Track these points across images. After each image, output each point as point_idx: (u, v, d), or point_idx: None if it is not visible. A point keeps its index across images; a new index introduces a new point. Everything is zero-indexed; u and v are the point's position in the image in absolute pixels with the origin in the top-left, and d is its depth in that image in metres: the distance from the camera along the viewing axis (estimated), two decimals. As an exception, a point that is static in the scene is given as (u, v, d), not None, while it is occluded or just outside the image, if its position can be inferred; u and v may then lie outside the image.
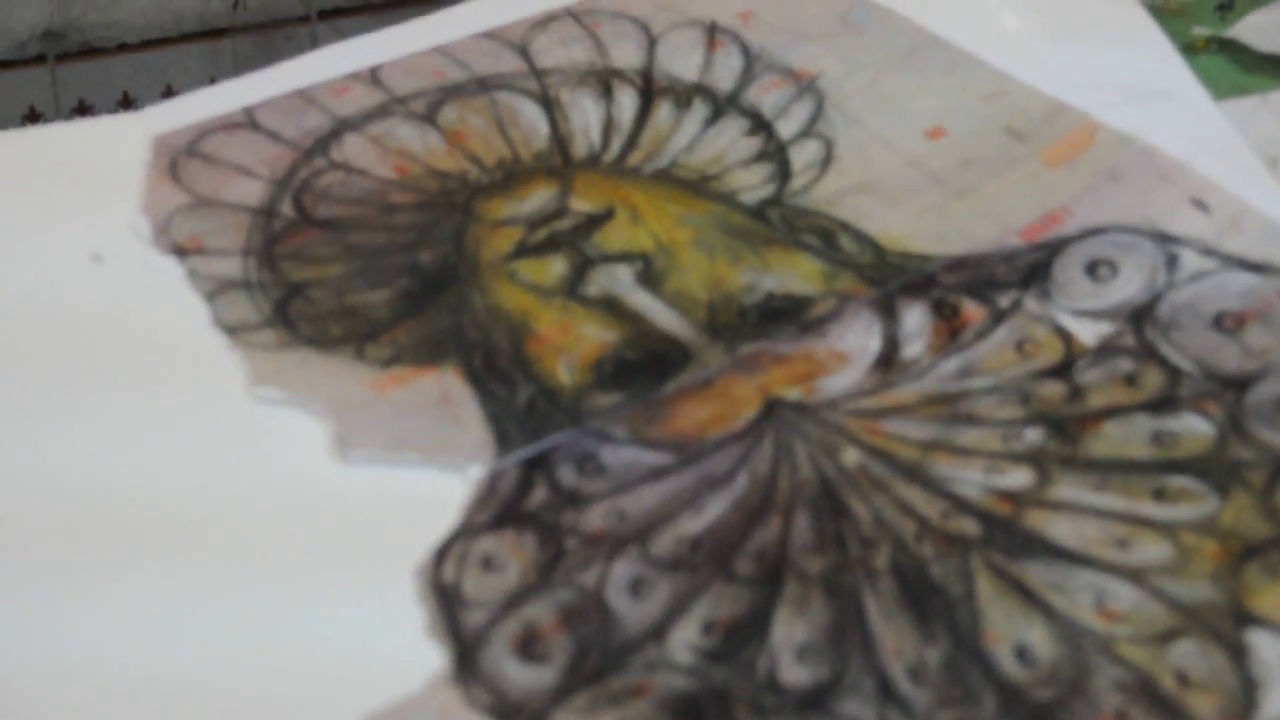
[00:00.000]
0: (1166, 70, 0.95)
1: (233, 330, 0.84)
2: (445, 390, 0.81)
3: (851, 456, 0.78)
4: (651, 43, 0.99)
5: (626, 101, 0.97)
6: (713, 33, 0.99)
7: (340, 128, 0.94)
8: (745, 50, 0.98)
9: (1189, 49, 0.99)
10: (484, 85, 0.96)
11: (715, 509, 0.76)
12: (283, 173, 0.91)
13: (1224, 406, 0.78)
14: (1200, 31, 1.05)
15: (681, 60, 0.98)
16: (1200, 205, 0.86)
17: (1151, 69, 0.95)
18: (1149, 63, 0.96)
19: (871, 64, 0.96)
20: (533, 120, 0.95)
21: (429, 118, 0.94)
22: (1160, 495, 0.75)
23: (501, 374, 0.81)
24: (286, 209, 0.90)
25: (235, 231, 0.88)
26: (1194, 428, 0.78)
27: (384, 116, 0.94)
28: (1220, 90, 0.95)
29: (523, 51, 0.98)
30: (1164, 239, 0.85)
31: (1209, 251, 0.85)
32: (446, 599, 0.73)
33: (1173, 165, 0.88)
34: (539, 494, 0.77)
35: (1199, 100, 0.93)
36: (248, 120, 0.93)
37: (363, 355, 0.83)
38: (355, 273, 0.87)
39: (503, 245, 0.88)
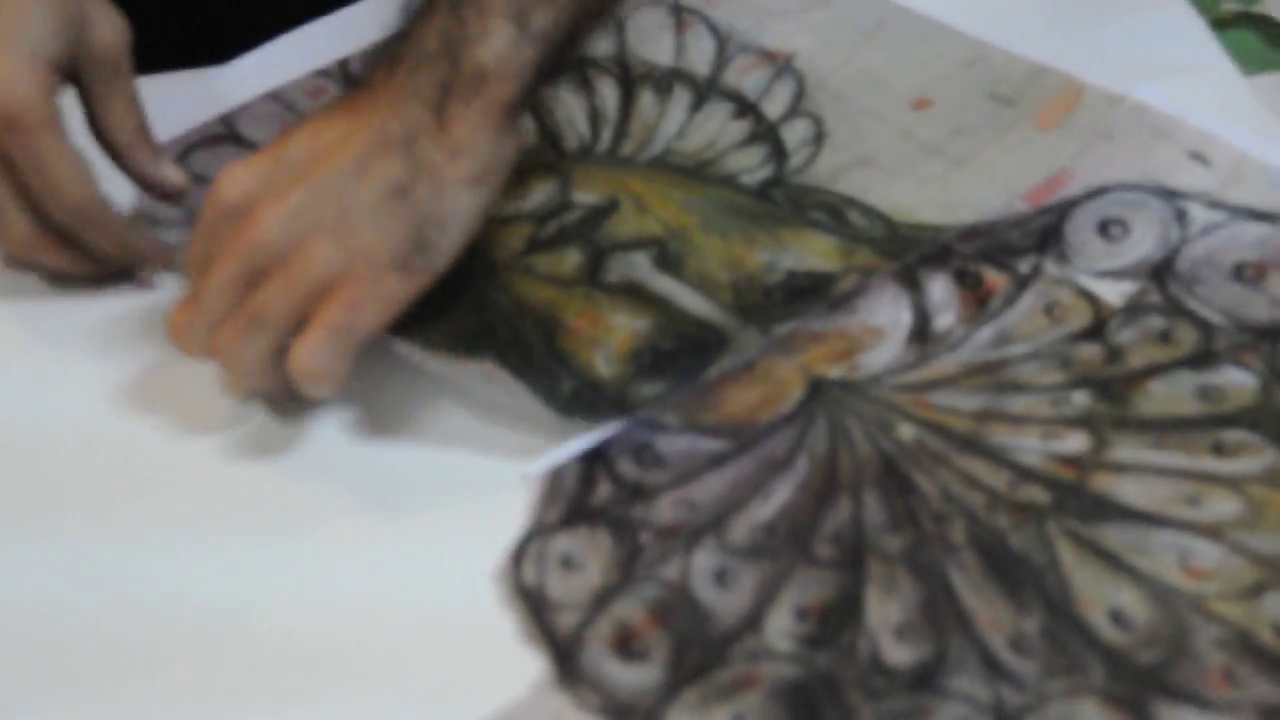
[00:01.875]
0: (1195, 44, 0.96)
1: None
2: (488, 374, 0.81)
3: (907, 432, 0.78)
4: (619, 26, 0.98)
5: (607, 92, 0.96)
6: (679, 13, 0.98)
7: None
8: (715, 30, 0.97)
9: (1218, 23, 1.00)
10: None
11: (782, 493, 0.75)
12: None
13: (1261, 357, 0.79)
14: (1230, 6, 1.05)
15: (653, 44, 0.97)
16: (1200, 158, 0.87)
17: (1180, 43, 0.96)
18: (1178, 37, 0.97)
19: (843, 40, 0.96)
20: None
21: None
22: (1219, 450, 0.76)
23: (541, 368, 0.80)
24: None
25: None
26: (1236, 380, 0.79)
27: None
28: (1249, 65, 0.96)
29: None
30: (1169, 194, 0.87)
31: (1215, 204, 0.86)
32: (534, 602, 0.72)
33: (1166, 121, 0.89)
34: (603, 489, 0.76)
35: (1228, 74, 0.94)
36: (228, 131, 0.91)
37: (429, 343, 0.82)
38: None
39: (513, 242, 0.87)
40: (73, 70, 0.81)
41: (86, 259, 0.83)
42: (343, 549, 0.76)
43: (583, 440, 0.77)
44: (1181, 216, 0.86)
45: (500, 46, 0.77)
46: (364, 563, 0.75)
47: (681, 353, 0.81)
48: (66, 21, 0.79)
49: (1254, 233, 0.84)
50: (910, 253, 0.85)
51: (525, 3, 0.77)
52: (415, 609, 0.73)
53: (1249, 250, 0.84)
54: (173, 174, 0.85)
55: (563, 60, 0.81)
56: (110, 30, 0.81)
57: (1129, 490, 0.75)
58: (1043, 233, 0.86)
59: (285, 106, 0.92)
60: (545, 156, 0.91)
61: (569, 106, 0.94)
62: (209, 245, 0.76)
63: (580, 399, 0.79)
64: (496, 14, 0.77)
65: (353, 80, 0.93)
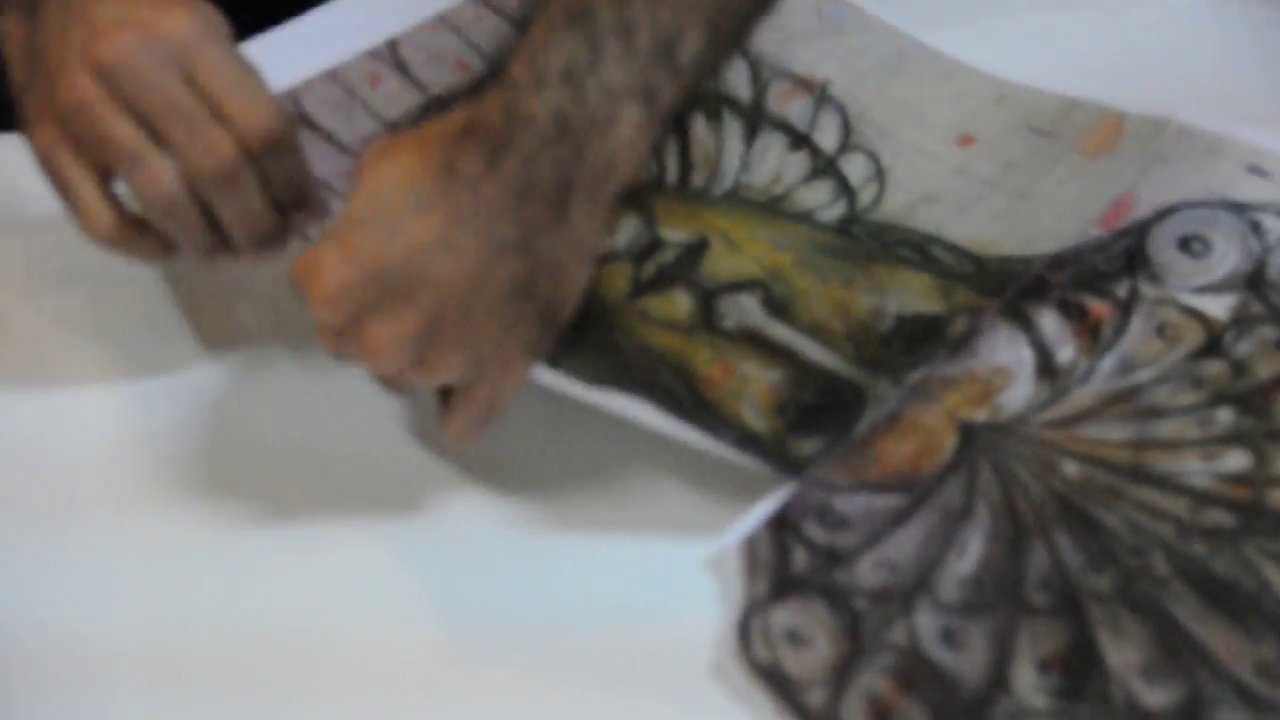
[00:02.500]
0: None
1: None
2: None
3: (1071, 469, 0.77)
4: None
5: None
6: None
7: (390, 129, 0.89)
8: (745, 54, 0.96)
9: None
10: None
11: (975, 545, 0.75)
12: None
13: (1381, 359, 0.81)
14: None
15: None
16: (1258, 171, 0.89)
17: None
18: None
19: (870, 70, 0.96)
20: None
21: None
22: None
23: (695, 418, 0.79)
24: None
25: None
26: (1364, 378, 0.80)
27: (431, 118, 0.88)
28: None
29: (515, 23, 0.95)
30: (1238, 207, 0.88)
31: None
32: (778, 681, 0.70)
33: (1216, 139, 0.91)
34: (800, 555, 0.75)
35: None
36: (299, 114, 0.88)
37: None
38: None
39: (618, 282, 0.85)
40: None
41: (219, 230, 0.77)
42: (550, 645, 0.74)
43: (765, 506, 0.76)
44: (1256, 228, 0.87)
45: (629, 133, 0.72)
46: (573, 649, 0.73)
47: (824, 407, 0.80)
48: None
49: (1331, 237, 0.86)
50: (1008, 288, 0.84)
51: (653, 77, 0.72)
52: (639, 693, 0.71)
53: (1331, 254, 0.85)
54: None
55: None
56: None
57: (1308, 503, 0.75)
58: (1127, 255, 0.86)
59: (346, 91, 0.89)
60: None
61: None
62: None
63: (748, 452, 0.78)
64: (623, 93, 0.71)
65: (402, 64, 0.89)
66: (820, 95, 0.95)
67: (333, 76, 0.89)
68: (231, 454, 0.80)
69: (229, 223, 0.76)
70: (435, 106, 0.89)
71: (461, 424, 0.76)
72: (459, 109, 0.73)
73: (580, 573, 0.76)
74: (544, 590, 0.75)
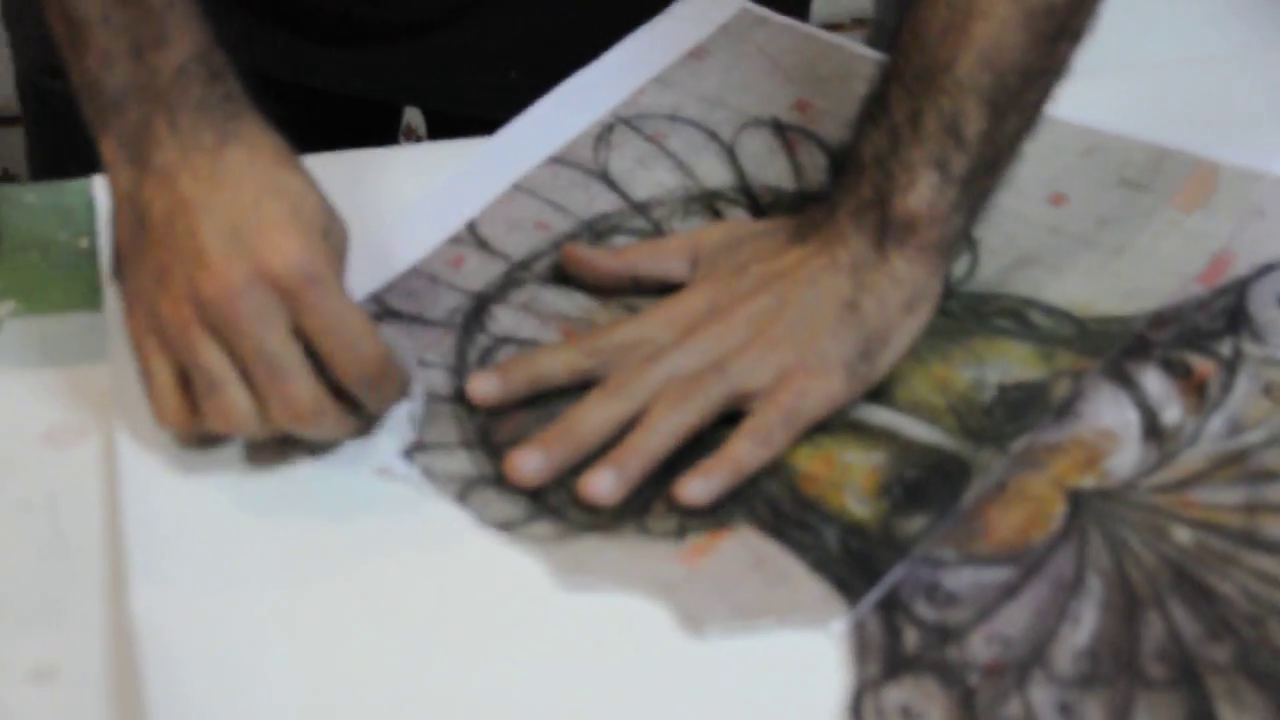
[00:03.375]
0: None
1: (506, 527, 0.78)
2: (753, 551, 0.78)
3: (1183, 535, 0.77)
4: (729, 153, 0.95)
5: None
6: (783, 133, 0.97)
7: (482, 302, 0.89)
8: (825, 147, 0.96)
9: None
10: (596, 233, 0.92)
11: (1089, 616, 0.74)
12: (452, 356, 0.86)
13: None
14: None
15: (771, 169, 0.95)
16: None
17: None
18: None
19: None
20: None
21: (563, 276, 0.90)
22: None
23: (795, 521, 0.77)
24: None
25: (443, 424, 0.83)
26: None
27: (518, 285, 0.90)
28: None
29: (605, 179, 0.94)
30: None
31: None
32: (896, 764, 0.69)
33: None
34: (911, 635, 0.74)
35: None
36: (383, 310, 0.87)
37: (649, 531, 0.79)
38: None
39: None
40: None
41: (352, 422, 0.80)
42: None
43: (878, 590, 0.75)
44: None
45: (927, 194, 0.83)
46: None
47: (929, 481, 0.79)
48: (325, 217, 0.78)
49: None
50: (1110, 349, 0.83)
51: (945, 151, 0.83)
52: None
53: None
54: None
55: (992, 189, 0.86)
56: (343, 231, 0.79)
57: None
58: (1229, 313, 0.86)
59: (430, 279, 0.88)
60: None
61: None
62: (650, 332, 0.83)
63: (851, 551, 0.76)
64: (920, 164, 0.83)
65: (482, 241, 0.90)
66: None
67: (416, 272, 0.89)
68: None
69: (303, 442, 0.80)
70: (518, 271, 0.90)
71: (765, 415, 0.81)
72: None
73: (690, 662, 0.74)
74: (658, 688, 0.74)
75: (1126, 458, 0.81)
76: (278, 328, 0.75)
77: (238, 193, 0.76)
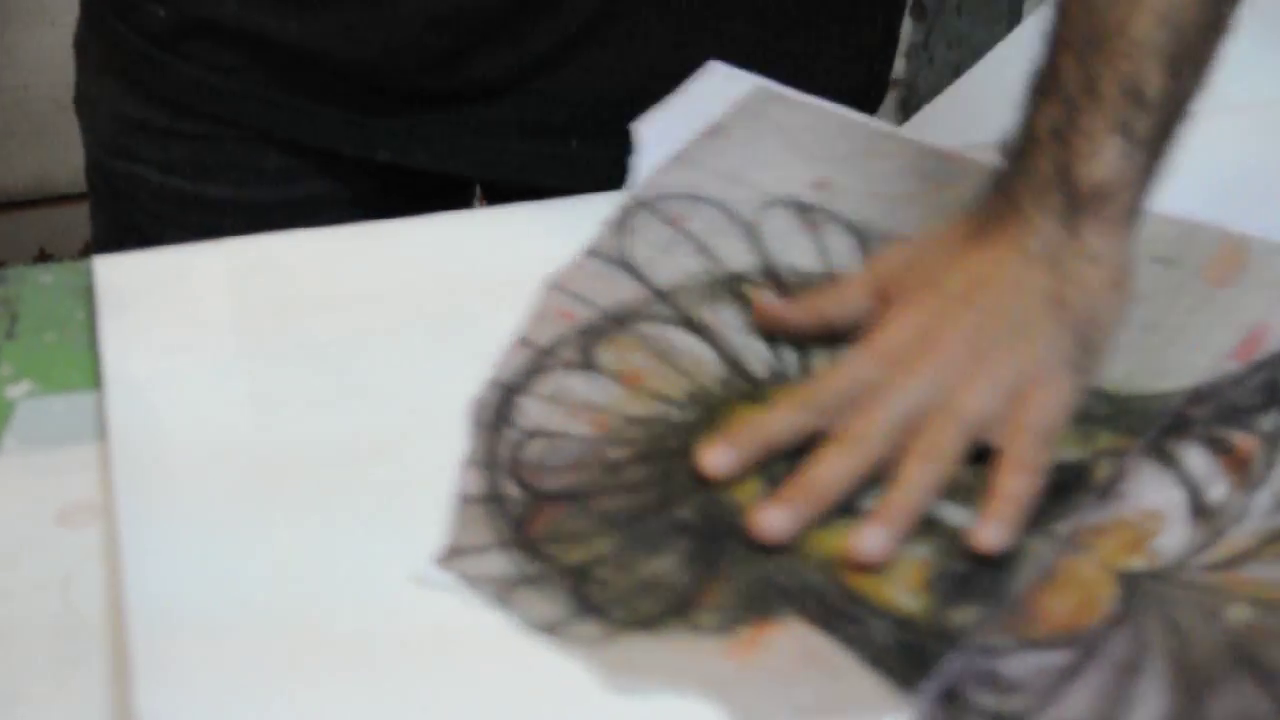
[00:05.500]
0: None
1: (550, 629, 0.77)
2: (802, 645, 0.77)
3: (1240, 613, 0.75)
4: (752, 234, 0.95)
5: (770, 307, 0.93)
6: (806, 213, 0.96)
7: (509, 393, 0.87)
8: (849, 227, 0.95)
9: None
10: (621, 322, 0.91)
11: (1154, 699, 0.73)
12: (483, 452, 0.83)
13: None
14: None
15: (795, 249, 0.95)
16: None
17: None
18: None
19: None
20: (692, 348, 0.90)
21: (589, 365, 0.88)
22: None
23: (843, 615, 0.76)
24: (511, 490, 0.83)
25: (476, 525, 0.81)
26: None
27: (544, 373, 0.88)
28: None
29: (629, 268, 0.93)
30: None
31: None
32: None
33: None
34: None
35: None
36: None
37: (696, 626, 0.77)
38: (625, 544, 0.81)
39: (752, 485, 0.83)
40: None
41: None
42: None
43: (936, 683, 0.74)
44: None
45: (1113, 160, 0.82)
46: None
47: (977, 572, 0.78)
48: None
49: None
50: (1148, 427, 0.83)
51: (1126, 114, 0.82)
52: None
53: None
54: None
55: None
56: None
57: None
58: (1267, 388, 0.85)
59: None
60: (739, 385, 0.87)
61: (738, 329, 0.91)
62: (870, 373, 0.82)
63: (902, 641, 0.75)
64: (1102, 131, 0.82)
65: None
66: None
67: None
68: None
69: None
70: (543, 358, 0.89)
71: (1025, 440, 0.81)
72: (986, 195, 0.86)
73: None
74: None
75: (1174, 538, 0.80)
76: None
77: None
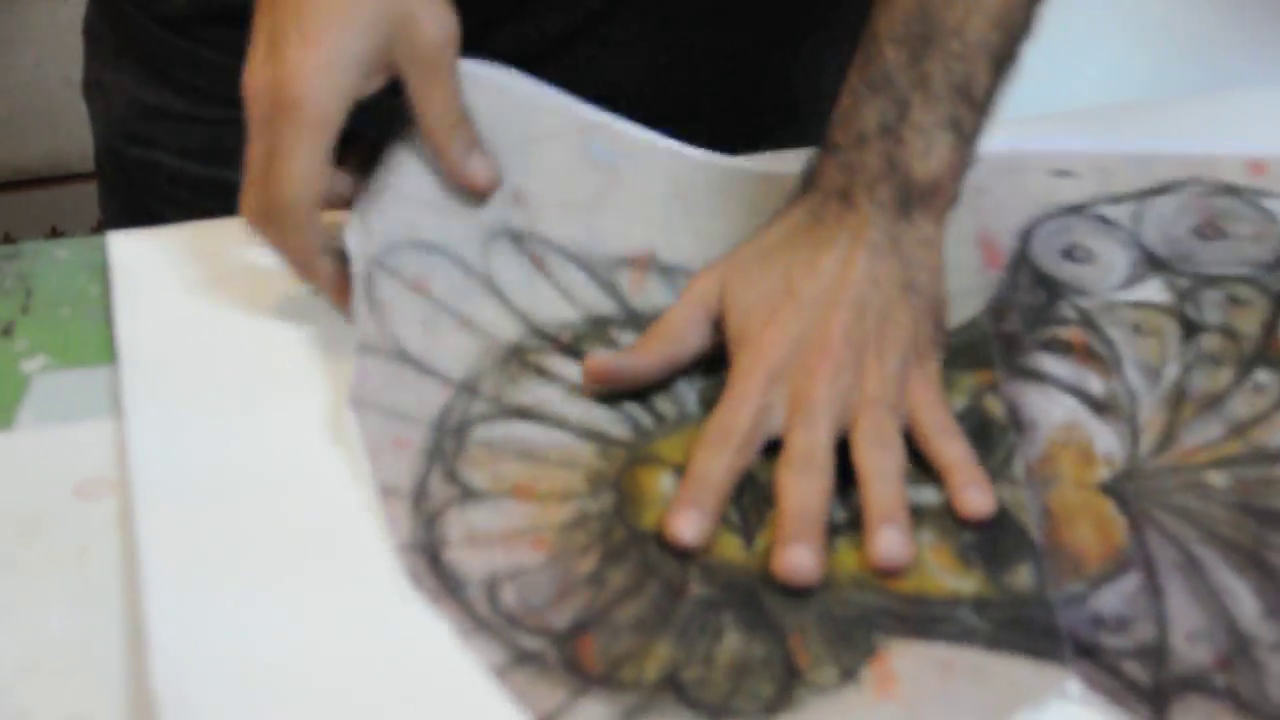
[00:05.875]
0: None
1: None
2: (925, 659, 0.75)
3: (1216, 479, 0.82)
4: (495, 289, 0.92)
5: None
6: (521, 243, 0.92)
7: (431, 557, 0.78)
8: (569, 255, 0.93)
9: None
10: (459, 434, 0.83)
11: (1236, 584, 0.78)
12: (468, 620, 0.76)
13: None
14: None
15: (541, 300, 0.91)
16: (1065, 173, 0.98)
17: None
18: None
19: None
20: (539, 437, 0.84)
21: (471, 494, 0.81)
22: None
23: (925, 619, 0.77)
24: (532, 643, 0.75)
25: (537, 690, 0.73)
26: None
27: (438, 519, 0.80)
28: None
29: (410, 361, 0.86)
30: (1075, 208, 0.97)
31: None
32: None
33: (1012, 158, 0.98)
34: (1131, 668, 0.75)
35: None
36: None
37: (824, 686, 0.74)
38: (682, 639, 0.75)
39: (727, 540, 0.80)
40: (394, 65, 0.83)
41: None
42: None
43: (1064, 643, 0.75)
44: (1104, 220, 0.95)
45: (945, 154, 0.84)
46: None
47: (989, 538, 0.79)
48: (386, 19, 0.82)
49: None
50: (986, 355, 0.87)
51: (958, 111, 0.84)
52: None
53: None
54: (480, 167, 0.88)
55: None
56: (434, 28, 0.83)
57: None
58: (1041, 282, 0.91)
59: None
60: (617, 455, 0.83)
61: (562, 401, 0.86)
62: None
63: (997, 619, 0.76)
64: (934, 127, 0.83)
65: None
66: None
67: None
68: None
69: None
70: (422, 505, 0.80)
71: (932, 412, 0.82)
72: (797, 191, 0.86)
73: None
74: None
75: (1105, 439, 0.83)
76: (259, 140, 0.81)
77: None
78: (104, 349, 0.87)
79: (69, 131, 1.88)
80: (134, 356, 0.85)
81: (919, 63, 0.84)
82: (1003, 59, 0.85)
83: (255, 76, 0.81)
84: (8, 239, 2.01)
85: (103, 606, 0.75)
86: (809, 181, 0.86)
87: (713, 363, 0.85)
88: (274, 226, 0.82)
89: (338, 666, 0.72)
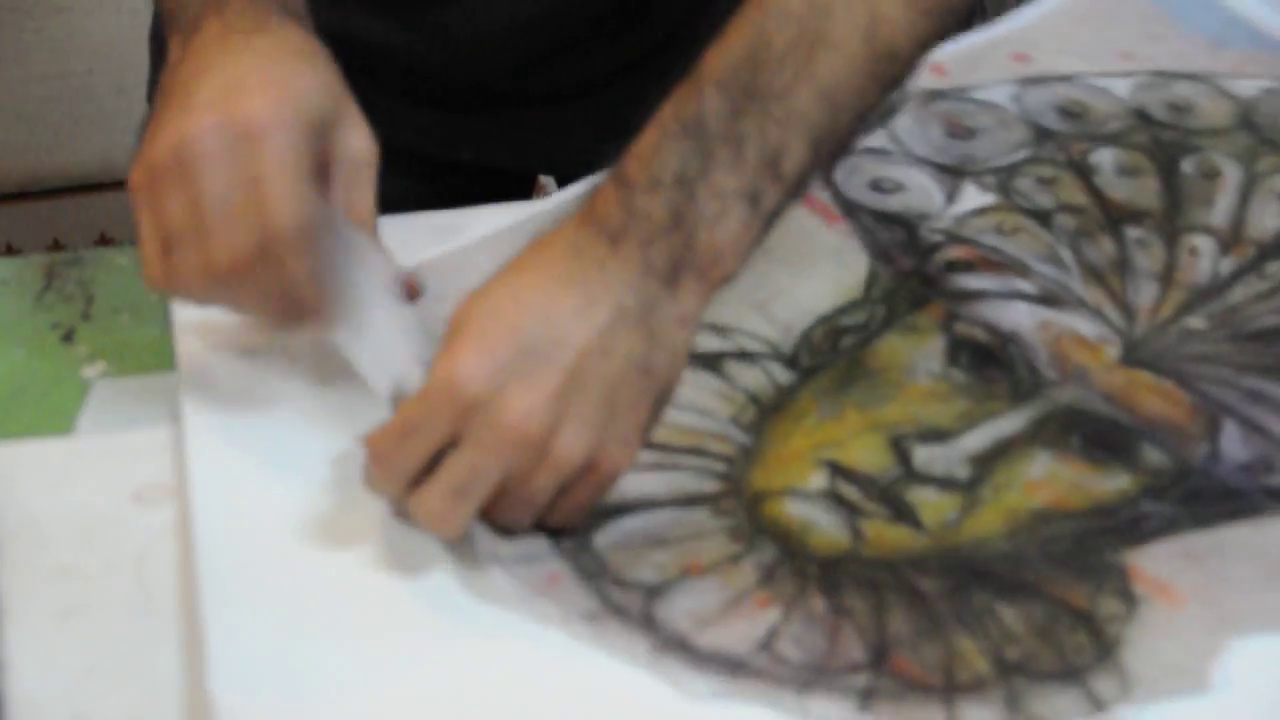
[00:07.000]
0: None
1: None
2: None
3: (1196, 323, 0.85)
4: None
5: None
6: None
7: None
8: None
9: None
10: (599, 570, 0.80)
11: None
12: None
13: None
14: None
15: None
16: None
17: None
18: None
19: None
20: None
21: (651, 618, 0.78)
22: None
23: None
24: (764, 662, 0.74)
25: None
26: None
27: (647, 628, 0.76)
28: None
29: None
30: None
31: None
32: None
33: None
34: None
35: None
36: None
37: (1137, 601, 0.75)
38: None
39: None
40: (323, 161, 0.80)
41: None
42: None
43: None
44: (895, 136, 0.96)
45: (735, 228, 0.76)
46: None
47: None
48: (328, 101, 0.79)
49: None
50: (906, 304, 0.88)
51: (758, 183, 0.76)
52: None
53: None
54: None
55: None
56: (360, 142, 0.80)
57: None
58: (878, 217, 0.92)
59: None
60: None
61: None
62: (437, 422, 0.74)
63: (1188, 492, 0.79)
64: (731, 195, 0.76)
65: None
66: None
67: None
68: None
69: (247, 307, 0.79)
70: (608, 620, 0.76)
71: (570, 514, 0.77)
72: (572, 212, 0.78)
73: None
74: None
75: (1084, 326, 0.86)
76: (235, 169, 0.75)
77: (247, 62, 0.77)
78: (163, 356, 0.87)
79: (120, 138, 1.87)
80: (193, 363, 0.84)
81: (737, 119, 0.77)
82: (821, 139, 0.78)
83: (190, 124, 0.76)
84: (58, 245, 2.02)
85: (160, 612, 0.75)
86: (587, 208, 0.78)
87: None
88: (270, 261, 0.76)
89: (393, 675, 0.71)
